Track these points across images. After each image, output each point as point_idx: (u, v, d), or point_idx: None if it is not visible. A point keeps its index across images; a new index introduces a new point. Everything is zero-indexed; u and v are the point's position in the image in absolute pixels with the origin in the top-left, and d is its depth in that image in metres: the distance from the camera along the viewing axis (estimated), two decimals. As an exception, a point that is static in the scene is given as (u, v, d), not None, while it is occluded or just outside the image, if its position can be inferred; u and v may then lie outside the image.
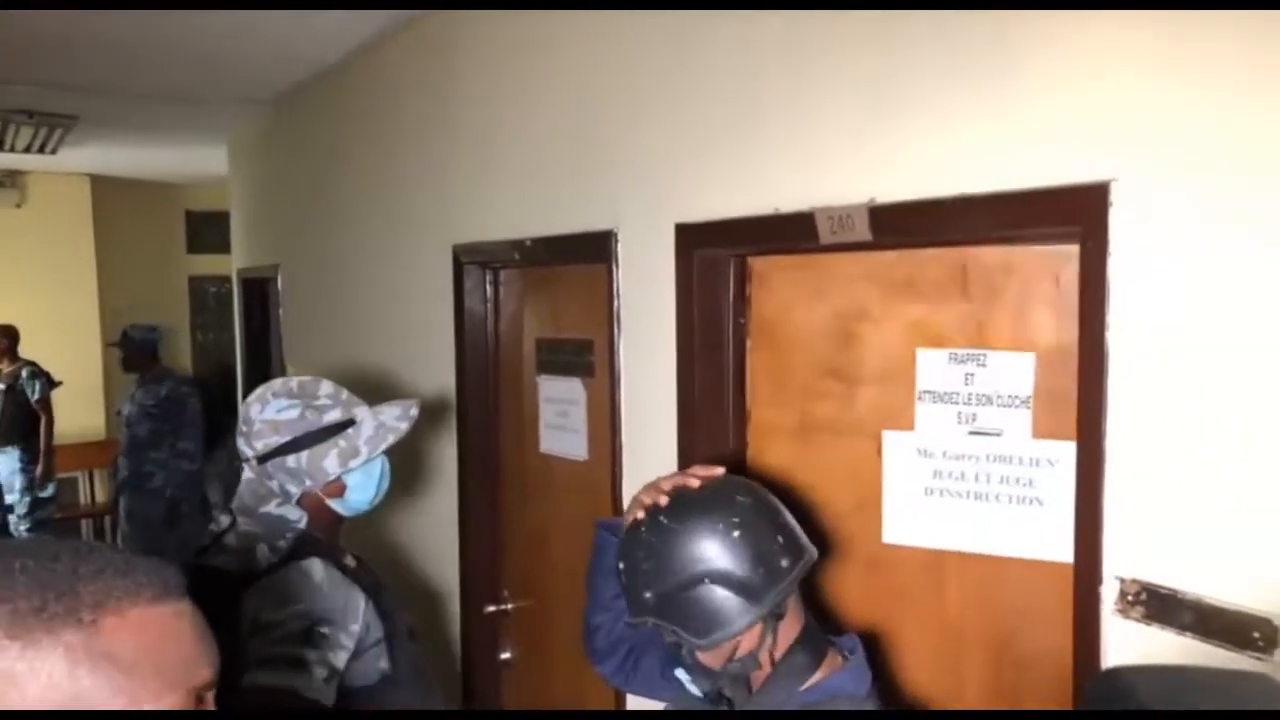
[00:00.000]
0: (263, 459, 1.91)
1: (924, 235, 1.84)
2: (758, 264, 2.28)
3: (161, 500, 5.41)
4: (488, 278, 3.28)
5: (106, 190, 8.08)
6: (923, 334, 2.06)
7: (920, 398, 2.07)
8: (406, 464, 3.78)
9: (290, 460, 1.90)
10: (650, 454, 2.52)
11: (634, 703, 2.59)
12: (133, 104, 4.99)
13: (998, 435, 1.98)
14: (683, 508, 1.49)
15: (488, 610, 3.29)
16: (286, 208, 5.12)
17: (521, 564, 3.27)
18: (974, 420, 2.01)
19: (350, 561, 1.94)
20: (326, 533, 1.96)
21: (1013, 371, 1.95)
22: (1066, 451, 1.82)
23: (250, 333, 5.82)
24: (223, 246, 6.85)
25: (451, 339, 3.34)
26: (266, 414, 1.92)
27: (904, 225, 1.79)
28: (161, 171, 7.87)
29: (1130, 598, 1.46)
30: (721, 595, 1.41)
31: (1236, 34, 1.33)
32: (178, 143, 6.36)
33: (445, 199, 3.41)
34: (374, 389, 3.94)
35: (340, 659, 1.77)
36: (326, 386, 1.98)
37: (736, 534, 1.43)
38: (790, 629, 1.47)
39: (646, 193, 2.46)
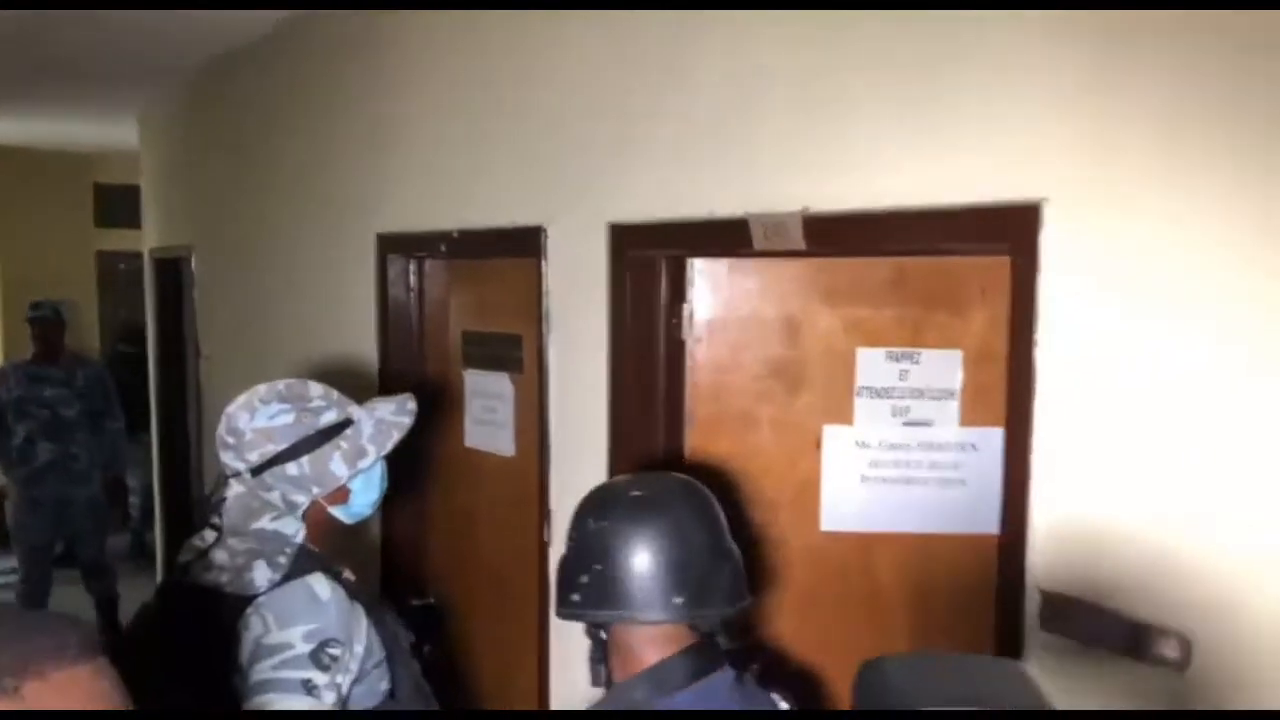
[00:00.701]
0: (258, 470, 1.78)
1: (857, 245, 1.86)
2: (702, 264, 2.29)
3: (87, 484, 5.22)
4: (412, 267, 3.22)
5: (7, 160, 7.72)
6: (863, 334, 2.20)
7: (859, 393, 2.23)
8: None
9: (291, 468, 1.77)
10: (580, 452, 2.50)
11: (559, 699, 2.59)
12: (35, 74, 4.77)
13: (928, 425, 2.20)
14: (615, 487, 1.57)
15: (413, 604, 3.24)
16: (202, 187, 4.96)
17: (445, 559, 3.23)
18: (907, 412, 2.21)
19: (350, 575, 1.85)
20: (322, 546, 1.85)
21: (943, 367, 2.18)
22: (988, 436, 2.10)
23: (163, 314, 5.62)
24: (134, 221, 6.60)
25: (374, 329, 3.28)
26: (258, 422, 1.78)
27: (837, 235, 1.80)
28: (68, 142, 7.55)
29: (1052, 610, 1.50)
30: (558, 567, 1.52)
31: (1168, 58, 1.35)
32: (85, 114, 6.09)
33: (370, 186, 3.33)
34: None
35: (346, 682, 1.70)
36: (316, 388, 1.87)
37: (571, 545, 1.50)
38: (633, 658, 1.45)
39: (579, 190, 2.43)
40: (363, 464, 1.82)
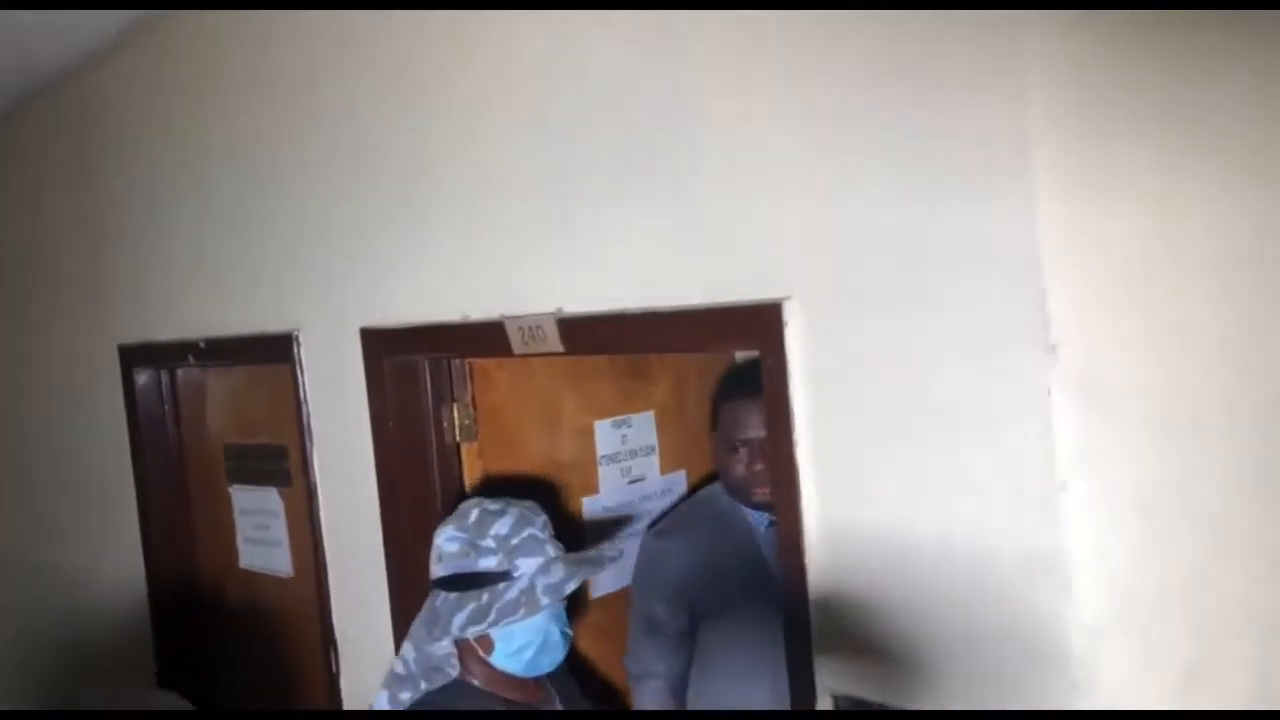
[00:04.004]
0: (433, 585, 1.77)
1: (612, 345, 1.80)
2: (478, 362, 2.20)
3: None
4: (163, 379, 2.97)
5: None
6: (597, 409, 2.42)
7: (600, 462, 2.44)
8: (86, 582, 3.38)
9: (439, 598, 1.73)
10: (358, 570, 2.33)
11: None
12: None
13: (642, 480, 2.51)
14: None
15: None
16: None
17: (230, 696, 2.97)
18: (630, 472, 2.49)
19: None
20: (491, 683, 1.74)
21: (645, 428, 2.51)
22: (677, 479, 2.57)
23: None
24: None
25: (127, 446, 3.00)
26: (439, 539, 1.77)
27: (592, 336, 1.73)
28: None
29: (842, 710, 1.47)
30: None
31: (895, 157, 1.35)
32: None
33: (105, 292, 3.05)
34: (47, 510, 3.50)
35: None
36: (503, 524, 1.73)
37: None
38: None
39: (328, 296, 2.28)
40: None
